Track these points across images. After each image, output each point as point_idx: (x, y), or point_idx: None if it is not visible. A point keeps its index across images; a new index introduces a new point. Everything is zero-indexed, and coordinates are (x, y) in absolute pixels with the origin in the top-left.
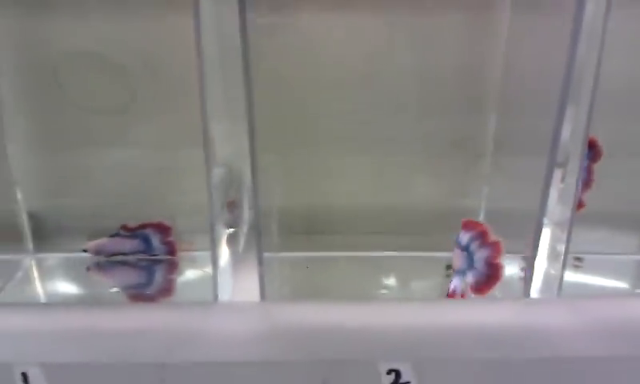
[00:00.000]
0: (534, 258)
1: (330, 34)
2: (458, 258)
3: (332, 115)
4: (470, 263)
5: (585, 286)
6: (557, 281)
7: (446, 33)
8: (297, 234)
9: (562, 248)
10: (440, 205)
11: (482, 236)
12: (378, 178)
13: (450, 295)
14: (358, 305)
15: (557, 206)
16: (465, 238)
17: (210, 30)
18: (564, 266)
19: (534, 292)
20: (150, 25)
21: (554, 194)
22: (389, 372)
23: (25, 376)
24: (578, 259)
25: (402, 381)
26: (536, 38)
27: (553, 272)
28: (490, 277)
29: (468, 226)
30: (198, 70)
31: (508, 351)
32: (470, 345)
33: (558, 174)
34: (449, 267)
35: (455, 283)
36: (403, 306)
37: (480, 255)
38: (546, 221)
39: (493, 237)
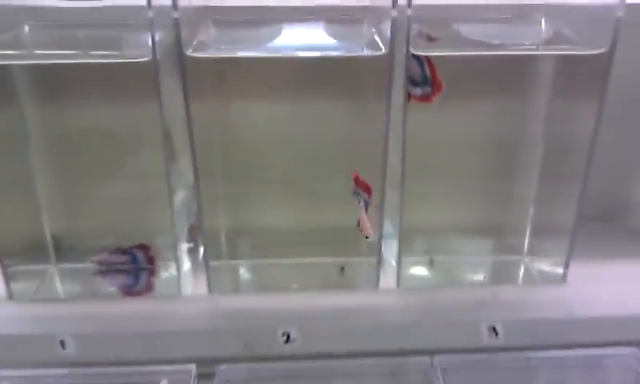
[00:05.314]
0: (380, 261)
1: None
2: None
3: (266, 163)
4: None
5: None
6: (396, 275)
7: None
8: (239, 246)
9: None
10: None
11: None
12: (299, 205)
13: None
14: (268, 294)
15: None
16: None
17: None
18: (400, 266)
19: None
20: (134, 108)
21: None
22: (283, 334)
23: (62, 342)
24: (431, 260)
25: (291, 339)
26: None
27: (396, 268)
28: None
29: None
30: (162, 135)
31: (357, 319)
32: (333, 316)
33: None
34: (341, 268)
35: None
36: (294, 294)
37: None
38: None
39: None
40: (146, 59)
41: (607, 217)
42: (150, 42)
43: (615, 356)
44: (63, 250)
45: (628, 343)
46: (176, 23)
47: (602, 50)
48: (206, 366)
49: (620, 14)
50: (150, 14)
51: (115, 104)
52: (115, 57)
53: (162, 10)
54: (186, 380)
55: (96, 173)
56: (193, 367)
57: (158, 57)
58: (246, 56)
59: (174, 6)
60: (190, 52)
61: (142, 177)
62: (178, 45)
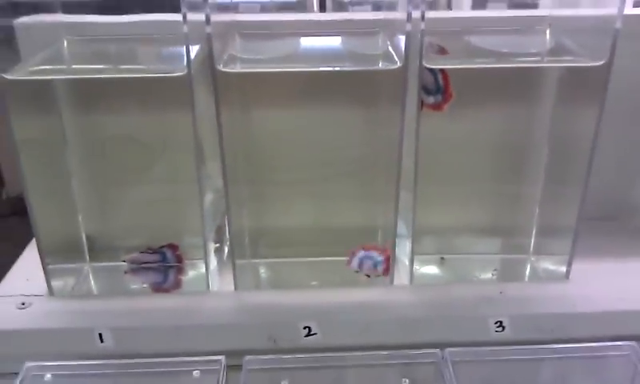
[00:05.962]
0: (394, 258)
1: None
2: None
3: (288, 168)
4: None
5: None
6: (409, 273)
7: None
8: (262, 246)
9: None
10: (357, 225)
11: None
12: (319, 207)
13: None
14: (290, 290)
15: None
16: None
17: (202, 117)
18: (412, 264)
19: (397, 280)
20: (166, 116)
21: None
22: (304, 327)
23: (100, 335)
24: (442, 258)
25: (312, 332)
26: None
27: (409, 266)
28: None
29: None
30: (194, 143)
31: (373, 314)
32: (350, 311)
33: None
34: None
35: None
36: (314, 290)
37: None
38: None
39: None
40: (181, 74)
41: (609, 217)
42: (185, 57)
43: (615, 349)
44: (97, 250)
45: (628, 337)
46: (208, 38)
47: (602, 62)
48: (233, 358)
49: (618, 25)
50: (185, 29)
51: (148, 112)
52: (151, 71)
53: (194, 24)
54: (217, 370)
55: (128, 177)
56: (222, 358)
57: (192, 71)
58: (272, 71)
59: (207, 21)
60: (221, 66)
61: (171, 181)
62: (210, 59)
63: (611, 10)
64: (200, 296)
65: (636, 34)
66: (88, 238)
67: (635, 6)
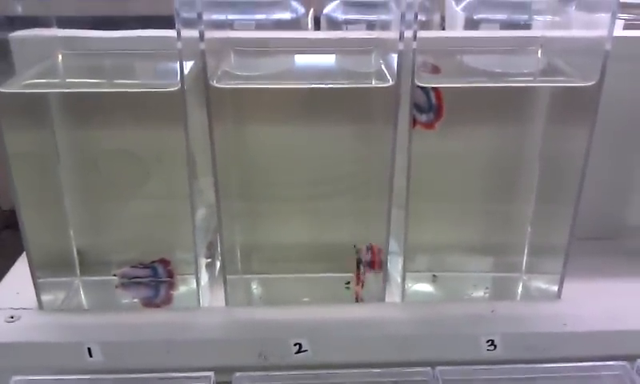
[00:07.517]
0: (385, 277)
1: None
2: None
3: (280, 184)
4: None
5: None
6: (401, 291)
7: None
8: (254, 262)
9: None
10: (349, 242)
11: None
12: (310, 223)
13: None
14: (280, 307)
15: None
16: None
17: (194, 132)
18: (404, 281)
19: (388, 298)
20: (158, 131)
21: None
22: (295, 344)
23: (89, 350)
24: (434, 276)
25: (303, 349)
26: None
27: (400, 284)
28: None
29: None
30: (187, 158)
31: (364, 332)
32: (341, 328)
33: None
34: (347, 283)
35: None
36: (305, 307)
37: None
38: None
39: None
40: (174, 89)
41: (601, 236)
42: (178, 72)
43: (607, 369)
44: (88, 264)
45: (619, 357)
46: (202, 54)
47: (592, 82)
48: (223, 375)
49: (608, 47)
50: (179, 45)
51: (141, 127)
52: (145, 86)
53: (189, 41)
54: None
55: (120, 192)
56: (212, 374)
57: (185, 86)
58: (265, 87)
59: (201, 37)
60: (214, 82)
61: (163, 196)
62: (204, 75)
63: (601, 32)
64: (191, 312)
65: (626, 56)
66: (79, 251)
67: (625, 28)
